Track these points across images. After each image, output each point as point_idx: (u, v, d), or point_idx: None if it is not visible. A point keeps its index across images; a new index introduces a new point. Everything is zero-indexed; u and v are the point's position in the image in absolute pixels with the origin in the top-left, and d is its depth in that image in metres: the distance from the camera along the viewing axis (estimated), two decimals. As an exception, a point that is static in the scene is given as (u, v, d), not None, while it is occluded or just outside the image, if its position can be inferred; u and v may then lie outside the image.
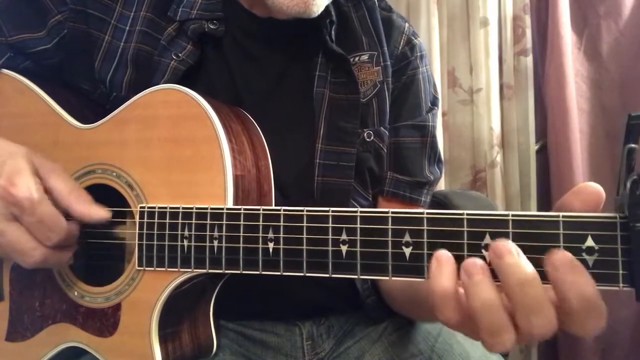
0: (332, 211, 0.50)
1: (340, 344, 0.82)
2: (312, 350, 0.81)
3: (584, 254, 0.43)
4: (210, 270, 0.57)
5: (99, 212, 0.60)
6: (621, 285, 0.42)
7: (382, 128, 0.79)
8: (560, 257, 0.41)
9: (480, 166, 1.77)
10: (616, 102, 1.69)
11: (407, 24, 0.85)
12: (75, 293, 0.66)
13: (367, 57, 0.78)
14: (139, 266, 0.61)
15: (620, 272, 0.42)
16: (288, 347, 0.80)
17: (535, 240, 0.44)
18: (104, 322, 0.64)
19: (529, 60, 1.72)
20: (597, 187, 0.44)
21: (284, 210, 0.53)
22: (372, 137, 0.77)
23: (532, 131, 1.74)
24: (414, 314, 0.76)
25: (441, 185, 1.74)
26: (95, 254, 0.68)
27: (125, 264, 0.64)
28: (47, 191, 0.58)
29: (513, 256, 0.42)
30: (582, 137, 1.70)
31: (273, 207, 0.54)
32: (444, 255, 0.45)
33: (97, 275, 0.67)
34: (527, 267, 0.42)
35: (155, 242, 0.60)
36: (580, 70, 1.71)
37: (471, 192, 1.54)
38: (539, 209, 1.75)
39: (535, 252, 0.44)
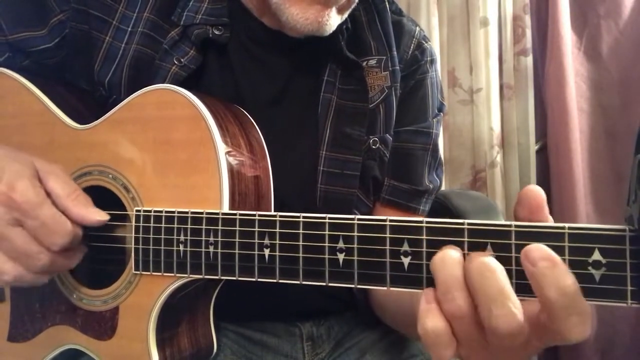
0: (329, 218, 0.49)
1: (340, 345, 0.82)
2: (312, 351, 0.81)
3: (590, 267, 0.41)
4: (207, 276, 0.56)
5: (97, 215, 0.60)
6: (630, 302, 0.40)
7: (387, 135, 0.77)
8: (538, 252, 0.40)
9: (480, 166, 1.77)
10: (616, 102, 1.68)
11: (417, 28, 0.83)
12: (74, 296, 0.66)
13: (375, 62, 0.76)
14: (135, 270, 0.61)
15: (629, 288, 0.40)
16: (288, 348, 0.80)
17: None
18: (102, 325, 0.64)
19: (529, 60, 1.72)
20: (534, 191, 0.43)
21: (280, 216, 0.52)
22: (377, 145, 0.76)
23: (532, 131, 1.74)
24: (407, 329, 0.74)
25: (442, 186, 1.73)
26: (95, 257, 0.68)
27: (124, 267, 0.63)
28: (47, 194, 0.57)
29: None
30: (582, 137, 1.70)
31: (269, 212, 0.53)
32: (430, 293, 0.44)
33: (96, 278, 0.66)
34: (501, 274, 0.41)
35: (151, 247, 0.59)
36: (580, 70, 1.70)
37: (471, 192, 1.53)
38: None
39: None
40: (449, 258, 0.43)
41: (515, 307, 0.40)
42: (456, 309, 0.42)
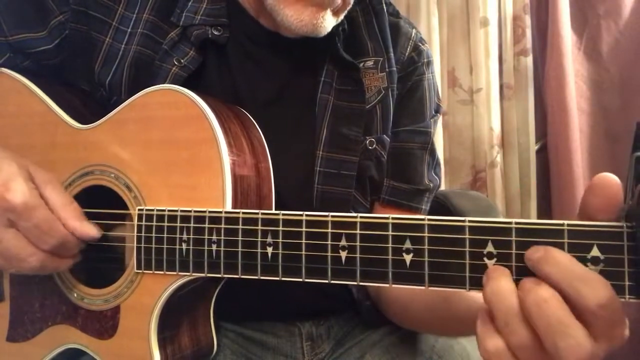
0: (332, 216, 0.50)
1: (340, 345, 0.82)
2: (312, 350, 0.81)
3: (589, 263, 0.42)
4: (209, 275, 0.57)
5: (90, 230, 0.60)
6: (627, 297, 0.41)
7: (384, 136, 0.78)
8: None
9: (480, 166, 1.77)
10: (616, 102, 1.68)
11: (414, 30, 0.84)
12: (75, 295, 0.66)
13: (372, 63, 0.77)
14: (137, 269, 0.61)
15: (627, 283, 0.41)
16: (288, 348, 0.80)
17: None
18: (103, 324, 0.64)
19: (529, 60, 1.72)
20: (610, 178, 0.41)
21: (283, 214, 0.52)
22: (374, 145, 0.76)
23: (532, 131, 1.74)
24: (413, 323, 0.75)
25: (441, 185, 1.73)
26: (95, 256, 0.68)
27: (124, 266, 0.63)
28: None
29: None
30: (582, 137, 1.70)
31: (272, 211, 0.53)
32: (485, 316, 0.43)
33: (96, 277, 0.66)
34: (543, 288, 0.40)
35: (153, 245, 0.59)
36: (580, 70, 1.71)
37: (471, 192, 1.53)
38: (539, 209, 1.75)
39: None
40: (503, 290, 0.42)
41: (580, 336, 0.39)
42: (518, 341, 0.41)
